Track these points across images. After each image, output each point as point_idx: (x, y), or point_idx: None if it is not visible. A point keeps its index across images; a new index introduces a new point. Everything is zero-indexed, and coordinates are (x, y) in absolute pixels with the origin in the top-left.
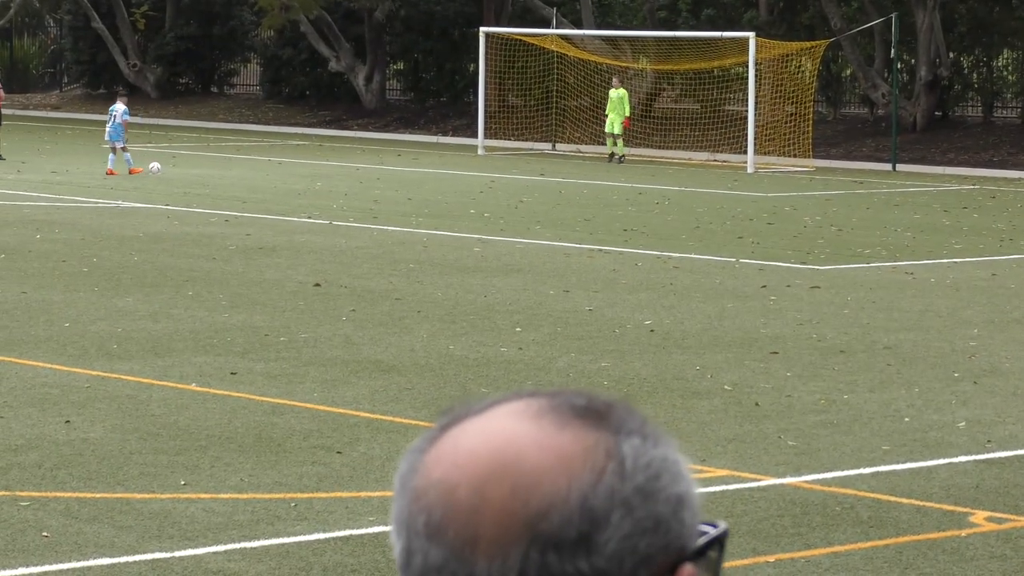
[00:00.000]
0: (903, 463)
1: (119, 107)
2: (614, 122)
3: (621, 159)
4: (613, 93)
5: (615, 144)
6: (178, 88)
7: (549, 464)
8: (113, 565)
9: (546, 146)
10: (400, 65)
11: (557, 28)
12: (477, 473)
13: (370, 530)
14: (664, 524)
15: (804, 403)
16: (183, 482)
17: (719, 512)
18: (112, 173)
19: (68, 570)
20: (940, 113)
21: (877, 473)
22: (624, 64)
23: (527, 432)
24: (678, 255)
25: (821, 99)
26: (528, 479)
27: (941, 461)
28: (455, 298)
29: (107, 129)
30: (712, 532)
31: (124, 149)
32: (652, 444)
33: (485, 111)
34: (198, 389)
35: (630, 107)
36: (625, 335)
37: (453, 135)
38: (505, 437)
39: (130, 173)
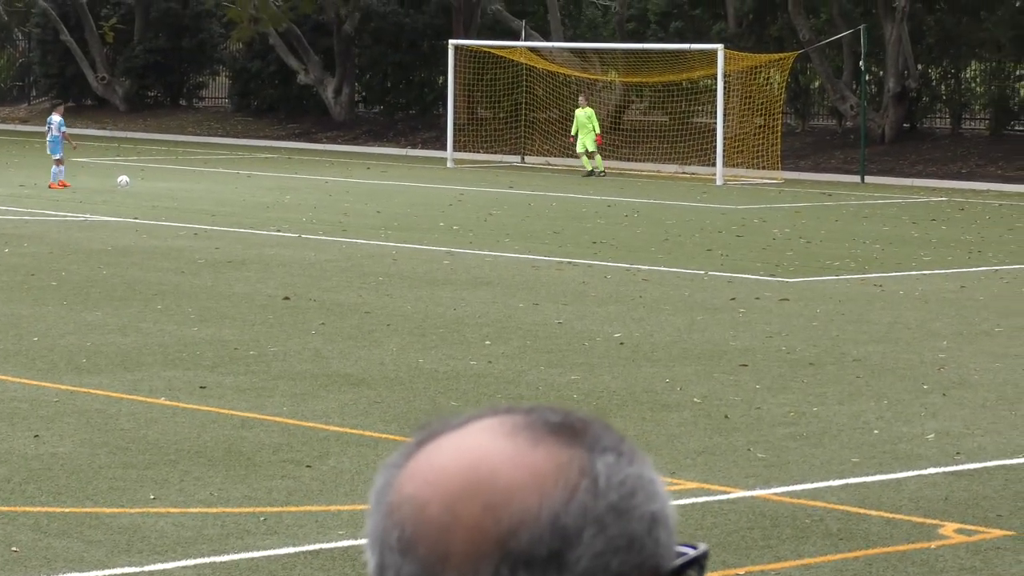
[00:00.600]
0: (872, 475)
1: (55, 118)
2: (585, 141)
3: (602, 173)
4: (580, 113)
5: (591, 160)
6: (147, 101)
7: (522, 481)
8: None
9: (515, 159)
10: (369, 78)
11: (526, 41)
12: (449, 490)
13: (340, 544)
14: (638, 542)
15: (773, 415)
16: (152, 496)
17: (689, 524)
18: (63, 185)
19: None
20: (908, 125)
21: (847, 485)
22: (593, 76)
23: (501, 449)
24: (647, 268)
25: (790, 111)
26: (500, 496)
27: (910, 473)
28: (424, 311)
29: (47, 141)
30: (691, 553)
31: (59, 161)
32: (627, 462)
33: (454, 124)
34: (167, 403)
35: (598, 122)
36: (594, 348)
37: (422, 148)
38: (479, 454)
39: (53, 186)
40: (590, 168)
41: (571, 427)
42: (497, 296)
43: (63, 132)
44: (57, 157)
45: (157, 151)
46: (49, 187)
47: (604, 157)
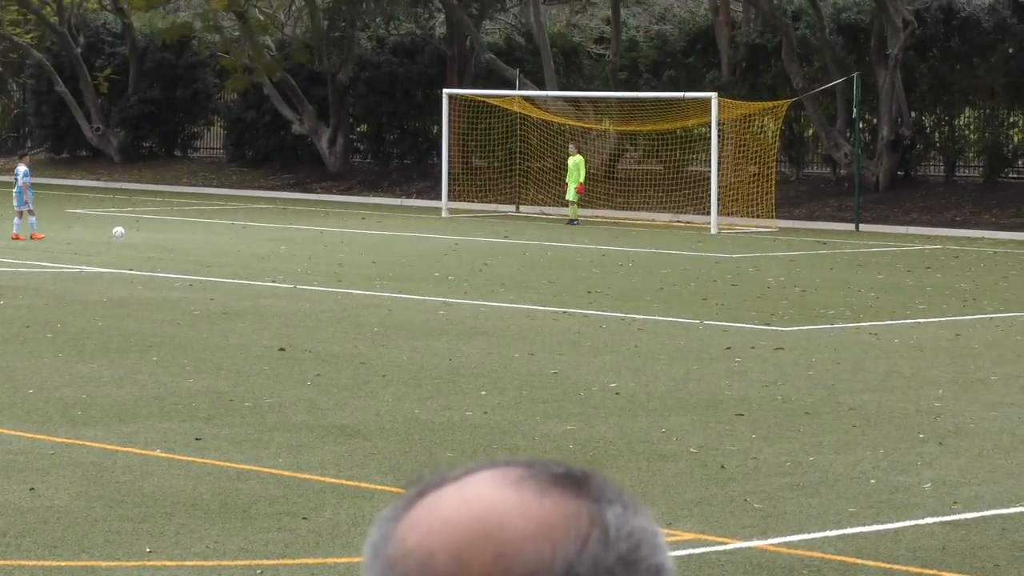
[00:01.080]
0: (869, 525)
1: (20, 168)
2: (570, 188)
3: (574, 222)
4: (570, 160)
5: (574, 207)
6: (142, 152)
7: (532, 531)
8: None
9: (510, 208)
10: (363, 127)
11: (520, 90)
12: (456, 540)
13: None
14: None
15: (770, 465)
16: (148, 549)
17: (686, 575)
18: (35, 237)
19: None
20: (902, 172)
21: (844, 535)
22: (587, 125)
23: (507, 499)
24: (642, 317)
25: (784, 159)
26: (511, 546)
27: (907, 523)
28: (420, 362)
29: (14, 193)
30: None
31: (31, 212)
32: (632, 513)
33: (449, 173)
34: (163, 455)
35: (587, 172)
36: (590, 398)
37: (417, 197)
38: (485, 504)
39: (18, 237)
40: (573, 216)
41: (575, 478)
42: (493, 346)
43: (26, 182)
44: (28, 208)
45: (152, 202)
46: (13, 238)
47: (599, 206)
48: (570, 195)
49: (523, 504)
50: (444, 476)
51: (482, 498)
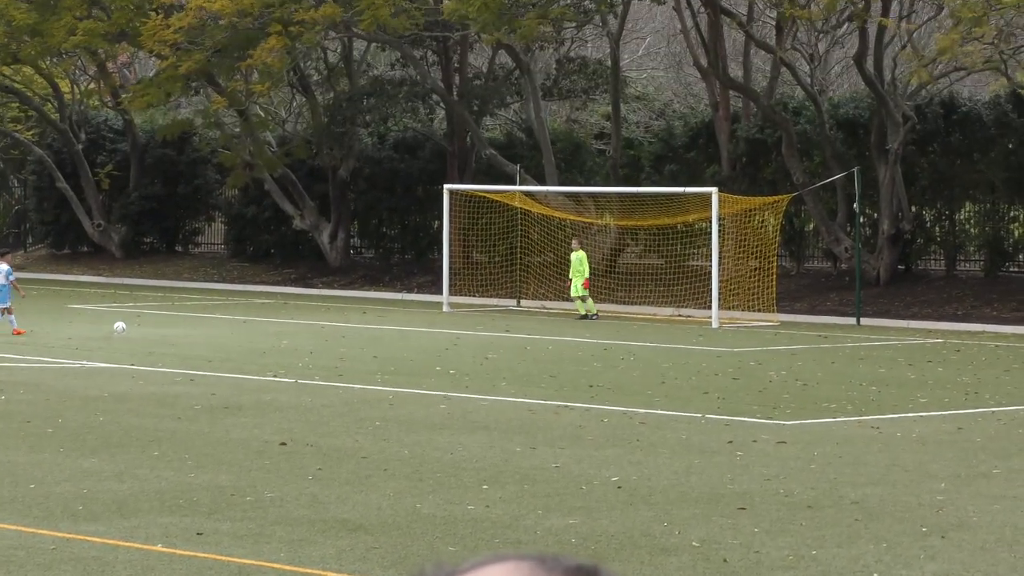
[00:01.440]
0: None
1: (3, 267)
2: (576, 284)
3: (595, 316)
4: (573, 256)
5: (583, 303)
6: (143, 247)
7: None
8: None
9: (511, 302)
10: (364, 222)
11: (521, 185)
12: None
13: None
14: None
15: (772, 559)
16: None
17: None
18: (17, 333)
19: None
20: (903, 267)
21: None
22: (588, 220)
23: None
24: (644, 411)
25: (784, 253)
26: None
27: None
28: (421, 456)
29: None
30: None
31: (8, 311)
32: None
33: (450, 268)
34: (164, 550)
35: (589, 266)
36: (592, 491)
37: (418, 292)
38: None
39: (14, 334)
40: (583, 312)
41: (587, 572)
42: (494, 440)
43: (12, 280)
44: (5, 306)
45: (153, 297)
46: (15, 333)
47: (600, 300)
48: (577, 291)
49: None
50: (454, 569)
51: None
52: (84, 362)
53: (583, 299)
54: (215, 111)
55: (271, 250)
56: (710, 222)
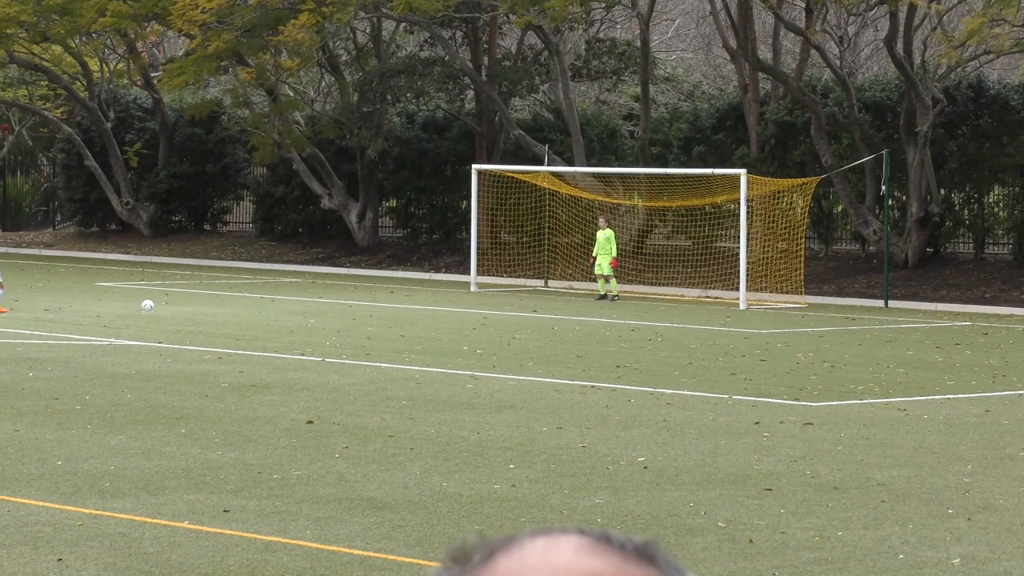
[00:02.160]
0: None
1: None
2: (602, 263)
3: (615, 298)
4: (600, 234)
5: (607, 283)
6: (171, 226)
7: None
8: None
9: (538, 283)
10: (392, 202)
11: (549, 165)
12: None
13: None
14: None
15: (798, 540)
16: None
17: None
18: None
19: None
20: (932, 249)
21: None
22: (616, 201)
23: (600, 566)
24: (671, 391)
25: (812, 235)
26: None
27: None
28: (448, 435)
29: None
30: None
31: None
32: None
33: (477, 248)
34: (191, 527)
35: (617, 246)
36: (619, 472)
37: (446, 272)
38: (581, 569)
39: None
40: (603, 292)
41: (646, 550)
42: (521, 420)
43: None
44: None
45: (181, 275)
46: None
47: (627, 281)
48: (604, 269)
49: (617, 571)
50: (505, 540)
51: (573, 564)
52: (112, 340)
53: (607, 279)
54: (244, 85)
55: (299, 229)
56: (738, 204)
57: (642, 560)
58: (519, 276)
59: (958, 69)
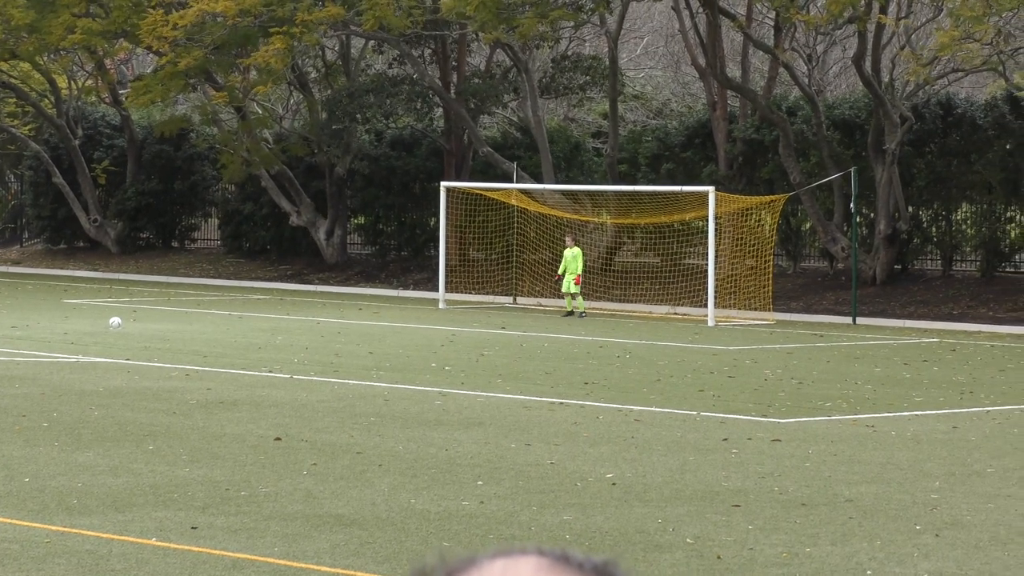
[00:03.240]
0: None
1: None
2: (569, 281)
3: (583, 314)
4: (567, 252)
5: (573, 300)
6: (139, 243)
7: None
8: None
9: (507, 300)
10: (361, 219)
11: (517, 182)
12: None
13: None
14: None
15: (766, 556)
16: None
17: None
18: None
19: None
20: (899, 266)
21: None
22: (584, 218)
23: None
24: (639, 408)
25: (781, 252)
26: None
27: None
28: (416, 452)
29: None
30: None
31: None
32: None
33: (446, 265)
34: (158, 544)
35: (584, 264)
36: (587, 488)
37: (414, 289)
38: None
39: None
40: (570, 309)
41: (605, 568)
42: (489, 436)
43: None
44: None
45: (149, 292)
46: None
47: (595, 298)
48: (570, 287)
49: None
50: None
51: None
52: (80, 357)
53: (573, 296)
54: (213, 106)
55: (267, 246)
56: (707, 221)
57: None
58: (488, 293)
59: (926, 87)
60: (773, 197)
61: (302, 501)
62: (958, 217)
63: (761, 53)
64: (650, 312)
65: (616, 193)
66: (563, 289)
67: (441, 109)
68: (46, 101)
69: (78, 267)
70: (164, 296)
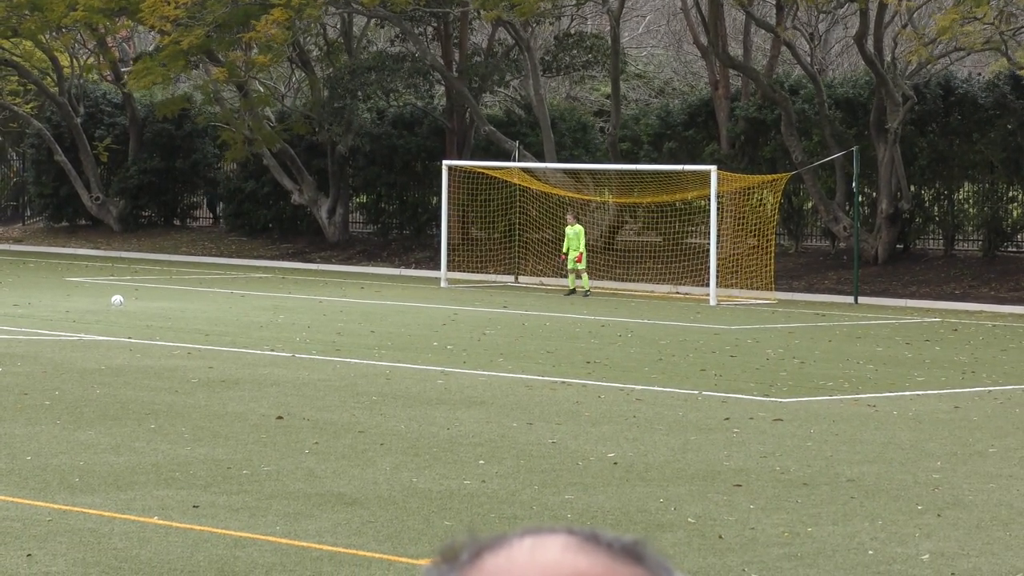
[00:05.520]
0: None
1: None
2: (573, 259)
3: (587, 293)
4: (569, 230)
5: (577, 279)
6: (141, 221)
7: None
8: None
9: (509, 278)
10: (363, 198)
11: (519, 161)
12: None
13: None
14: None
15: (768, 536)
16: None
17: None
18: None
19: None
20: (901, 246)
21: None
22: (586, 197)
23: (588, 565)
24: (641, 387)
25: (783, 232)
26: None
27: None
28: (418, 431)
29: None
30: None
31: None
32: None
33: (448, 244)
34: (160, 522)
35: (586, 242)
36: (588, 467)
37: (416, 267)
38: (568, 568)
39: None
40: (573, 287)
41: (635, 548)
42: (491, 416)
43: None
44: None
45: (151, 271)
46: None
47: (598, 277)
48: (575, 265)
49: (604, 570)
50: (494, 540)
51: (561, 563)
52: (81, 335)
53: (578, 274)
54: (215, 83)
55: (269, 225)
56: (709, 200)
57: (630, 559)
58: (489, 272)
59: (928, 66)
60: (775, 176)
61: (304, 480)
62: (960, 197)
63: (763, 32)
64: (652, 291)
65: (618, 172)
66: (569, 266)
67: (443, 87)
68: (48, 79)
69: (80, 245)
70: (166, 274)
